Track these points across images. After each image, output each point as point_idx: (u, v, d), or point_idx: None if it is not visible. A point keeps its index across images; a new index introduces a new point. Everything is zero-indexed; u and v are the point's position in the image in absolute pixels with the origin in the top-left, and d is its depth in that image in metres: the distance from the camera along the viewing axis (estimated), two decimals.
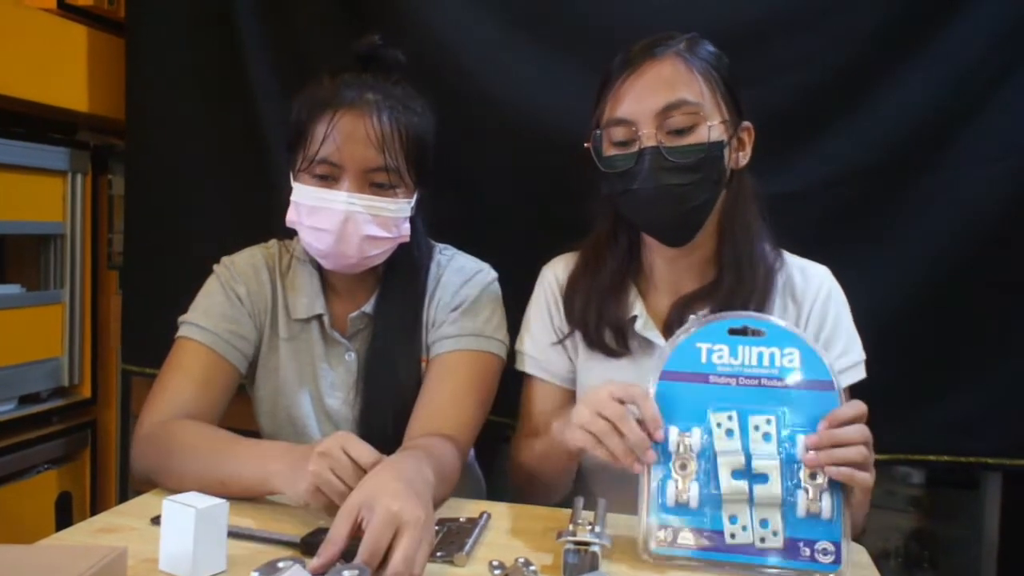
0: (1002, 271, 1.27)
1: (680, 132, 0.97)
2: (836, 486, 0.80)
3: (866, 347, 1.06)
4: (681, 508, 0.82)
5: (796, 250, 1.10)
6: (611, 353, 1.06)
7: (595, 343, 1.07)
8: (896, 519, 1.69)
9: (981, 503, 1.46)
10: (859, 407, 0.82)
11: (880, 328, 1.24)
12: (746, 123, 1.04)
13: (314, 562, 0.70)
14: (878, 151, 1.28)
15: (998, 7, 1.23)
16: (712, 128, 0.97)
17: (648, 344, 1.05)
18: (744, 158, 1.04)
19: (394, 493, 0.75)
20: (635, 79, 0.97)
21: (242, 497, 0.91)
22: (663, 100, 0.96)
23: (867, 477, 0.79)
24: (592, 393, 0.86)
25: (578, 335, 1.09)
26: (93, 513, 0.94)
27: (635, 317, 1.05)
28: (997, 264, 1.27)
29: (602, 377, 1.07)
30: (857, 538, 0.86)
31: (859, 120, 1.28)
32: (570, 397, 1.12)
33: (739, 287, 1.01)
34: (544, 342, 1.12)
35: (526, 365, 1.13)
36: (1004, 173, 1.25)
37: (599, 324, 1.06)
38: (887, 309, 1.28)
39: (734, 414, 0.83)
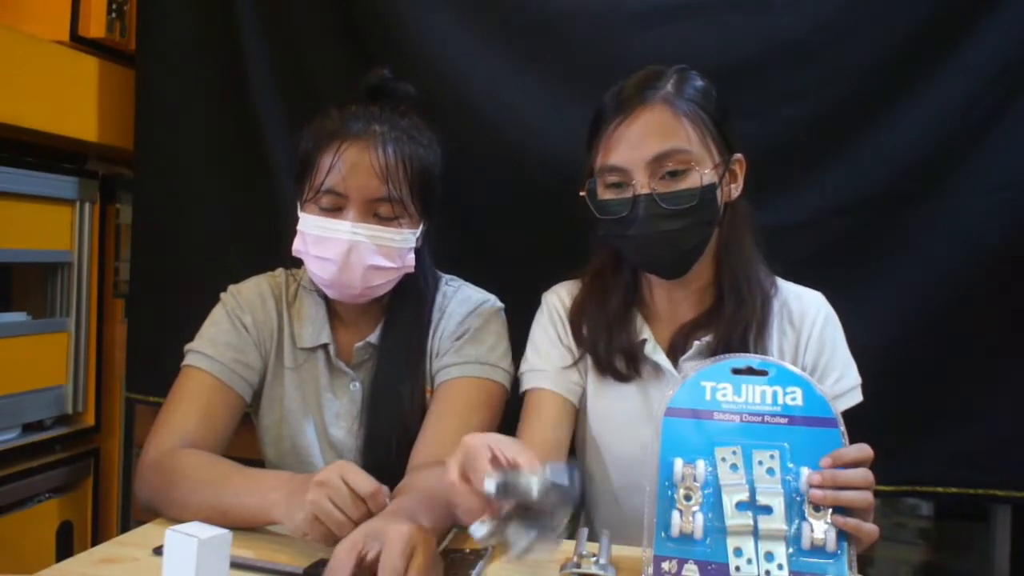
0: (1008, 301, 1.27)
1: (673, 176, 0.99)
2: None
3: (872, 377, 1.06)
4: (685, 539, 0.81)
5: (797, 280, 1.10)
6: (621, 378, 1.07)
7: (606, 368, 1.08)
8: (905, 552, 1.67)
9: (991, 536, 1.44)
10: (864, 450, 0.81)
11: (886, 358, 1.24)
12: (737, 155, 1.06)
13: None
14: (878, 182, 1.29)
15: (996, 41, 1.24)
16: (704, 174, 0.99)
17: (656, 369, 1.06)
18: (736, 190, 1.06)
19: (399, 530, 0.75)
20: (626, 127, 0.99)
21: (243, 527, 0.90)
22: (654, 149, 0.98)
23: (873, 529, 0.79)
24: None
25: (588, 363, 1.10)
26: (94, 543, 0.94)
27: (645, 340, 1.06)
28: (1003, 294, 1.27)
29: (612, 403, 1.08)
30: (864, 571, 0.85)
31: (859, 151, 1.29)
32: (573, 412, 1.10)
33: (739, 313, 1.03)
34: (555, 357, 1.10)
35: (534, 380, 1.10)
36: (1004, 203, 1.26)
37: (609, 350, 1.07)
38: (893, 339, 1.27)
39: (738, 449, 0.83)
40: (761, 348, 1.03)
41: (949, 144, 1.27)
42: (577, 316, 1.11)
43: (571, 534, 1.00)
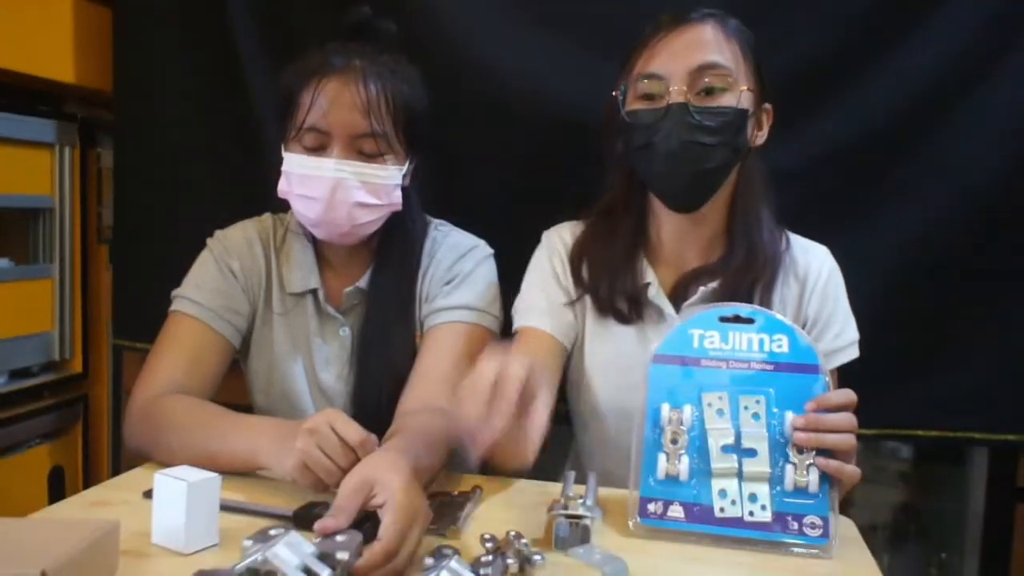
0: (992, 251, 1.28)
1: (710, 92, 0.97)
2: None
3: (856, 323, 1.07)
4: (671, 481, 0.83)
5: (787, 227, 1.10)
6: (623, 319, 1.06)
7: (607, 309, 1.06)
8: (884, 493, 1.71)
9: (968, 478, 1.48)
10: (848, 395, 0.83)
11: (869, 304, 1.24)
12: (767, 104, 1.04)
13: (321, 524, 0.69)
14: (870, 130, 1.27)
15: None
16: (742, 95, 0.97)
17: (658, 312, 1.05)
18: (761, 138, 1.05)
19: (406, 485, 0.73)
20: (672, 38, 0.98)
21: (232, 472, 0.91)
22: (698, 60, 0.96)
23: (855, 471, 0.81)
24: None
25: (587, 301, 1.08)
26: (86, 487, 0.94)
27: (648, 284, 1.06)
28: (988, 243, 1.28)
29: (610, 346, 1.07)
30: (845, 511, 0.88)
31: (851, 99, 1.27)
32: (564, 355, 1.09)
33: (750, 264, 1.02)
34: (551, 295, 1.09)
35: (528, 317, 1.07)
36: (998, 154, 1.25)
37: (611, 291, 1.06)
38: (876, 286, 1.28)
39: (725, 395, 0.85)
40: (767, 301, 1.02)
41: (943, 94, 1.26)
42: (578, 255, 1.10)
43: (558, 476, 1.01)
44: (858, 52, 1.27)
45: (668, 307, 1.05)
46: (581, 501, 0.80)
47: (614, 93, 1.02)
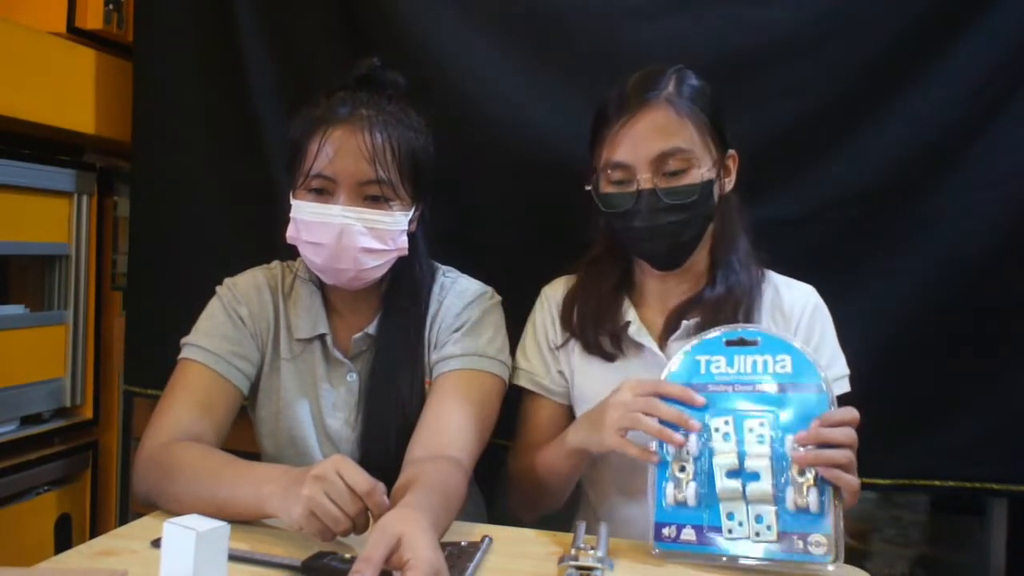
0: (1006, 294, 1.27)
1: (674, 174, 1.04)
2: (824, 482, 0.84)
3: (870, 371, 1.08)
4: (682, 506, 0.87)
5: (794, 275, 1.12)
6: (606, 356, 1.12)
7: (592, 347, 1.13)
8: (902, 545, 1.67)
9: (987, 529, 1.45)
10: (850, 412, 0.86)
11: (884, 352, 1.24)
12: (731, 151, 1.10)
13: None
14: (876, 176, 1.28)
15: (997, 34, 1.24)
16: (703, 171, 1.04)
17: (640, 348, 1.11)
18: (729, 184, 1.12)
19: (432, 546, 0.74)
20: (631, 126, 1.04)
21: (239, 520, 0.90)
22: (658, 148, 1.03)
23: (852, 479, 0.84)
24: (615, 397, 0.94)
25: (574, 345, 1.14)
26: (93, 535, 0.94)
27: (628, 323, 1.11)
28: (1001, 288, 1.27)
29: (597, 379, 1.11)
30: (862, 564, 0.87)
31: (857, 145, 1.29)
32: (565, 413, 1.17)
33: (727, 294, 1.08)
34: (540, 358, 1.17)
35: (527, 382, 1.17)
36: (1003, 199, 1.25)
37: (596, 331, 1.12)
38: (891, 333, 1.28)
39: (731, 419, 0.88)
40: None
41: (948, 139, 1.27)
42: (569, 304, 1.16)
43: (568, 526, 1.00)
44: (858, 100, 1.28)
45: (650, 343, 1.10)
46: (592, 551, 0.79)
47: (587, 188, 1.08)
